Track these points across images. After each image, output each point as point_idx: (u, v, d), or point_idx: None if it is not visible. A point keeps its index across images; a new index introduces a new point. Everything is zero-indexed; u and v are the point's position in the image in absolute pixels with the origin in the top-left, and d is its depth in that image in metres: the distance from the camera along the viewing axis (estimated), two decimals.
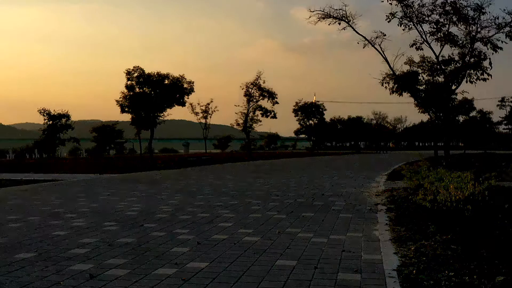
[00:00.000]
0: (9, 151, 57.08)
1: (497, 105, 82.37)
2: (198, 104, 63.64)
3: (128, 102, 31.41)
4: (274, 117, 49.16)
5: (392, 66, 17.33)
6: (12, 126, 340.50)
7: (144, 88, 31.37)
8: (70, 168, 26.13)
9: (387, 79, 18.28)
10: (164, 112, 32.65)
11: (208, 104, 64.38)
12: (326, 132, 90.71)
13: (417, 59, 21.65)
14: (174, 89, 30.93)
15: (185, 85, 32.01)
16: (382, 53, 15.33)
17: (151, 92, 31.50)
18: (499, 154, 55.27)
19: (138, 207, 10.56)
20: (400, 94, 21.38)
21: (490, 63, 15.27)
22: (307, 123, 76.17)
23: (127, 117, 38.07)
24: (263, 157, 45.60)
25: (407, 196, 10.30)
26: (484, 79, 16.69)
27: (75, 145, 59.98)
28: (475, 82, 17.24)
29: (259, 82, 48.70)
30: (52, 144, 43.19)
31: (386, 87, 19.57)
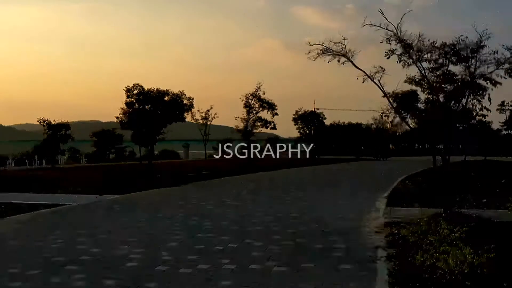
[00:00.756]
0: (9, 158, 56.98)
1: (497, 109, 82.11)
2: (198, 111, 63.79)
3: (128, 119, 31.58)
4: (274, 128, 49.39)
5: (391, 102, 17.34)
6: (11, 127, 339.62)
7: (145, 106, 31.57)
8: (70, 183, 26.33)
9: (387, 112, 18.33)
10: (164, 129, 32.81)
11: (208, 110, 64.58)
12: (326, 139, 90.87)
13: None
14: (173, 106, 31.11)
15: (185, 101, 32.24)
16: (381, 88, 15.30)
17: (151, 109, 31.69)
18: (499, 161, 55.46)
19: (138, 253, 10.50)
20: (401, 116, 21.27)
21: (489, 99, 15.30)
22: (307, 131, 76.31)
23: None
24: (263, 166, 44.80)
25: (407, 248, 10.24)
26: (483, 116, 16.74)
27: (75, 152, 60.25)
28: (474, 119, 17.21)
29: (258, 93, 48.80)
30: (52, 154, 43.52)
31: (386, 121, 19.52)
